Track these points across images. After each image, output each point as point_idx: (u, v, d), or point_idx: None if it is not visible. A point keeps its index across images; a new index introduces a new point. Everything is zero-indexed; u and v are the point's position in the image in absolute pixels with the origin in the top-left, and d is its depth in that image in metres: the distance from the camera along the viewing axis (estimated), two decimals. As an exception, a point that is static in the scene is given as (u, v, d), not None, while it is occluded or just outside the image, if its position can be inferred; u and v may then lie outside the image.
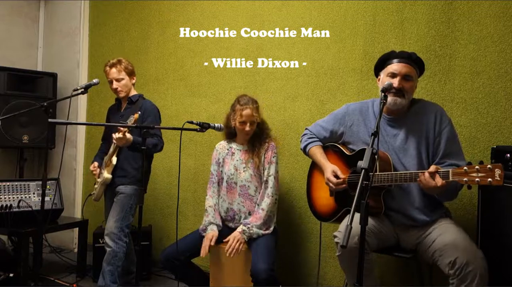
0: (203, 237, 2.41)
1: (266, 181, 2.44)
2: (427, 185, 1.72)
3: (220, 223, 2.47)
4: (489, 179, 1.56)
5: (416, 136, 1.95)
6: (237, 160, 2.52)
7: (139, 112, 2.51)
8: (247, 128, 2.45)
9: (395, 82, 1.90)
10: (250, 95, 2.53)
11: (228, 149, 2.58)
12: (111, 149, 2.64)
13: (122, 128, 2.36)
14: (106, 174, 2.63)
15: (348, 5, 2.74)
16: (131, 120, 2.42)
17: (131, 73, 2.77)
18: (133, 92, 2.81)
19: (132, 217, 2.68)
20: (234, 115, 2.48)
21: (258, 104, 2.52)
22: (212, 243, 2.35)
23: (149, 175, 2.85)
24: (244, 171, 2.48)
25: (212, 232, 2.39)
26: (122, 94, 2.74)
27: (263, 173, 2.46)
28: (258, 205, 2.43)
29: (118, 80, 2.71)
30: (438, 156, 1.91)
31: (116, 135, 2.40)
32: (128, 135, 2.42)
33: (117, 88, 2.71)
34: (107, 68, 2.73)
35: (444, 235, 1.80)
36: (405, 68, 1.92)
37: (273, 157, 2.48)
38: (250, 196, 2.47)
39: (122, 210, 2.60)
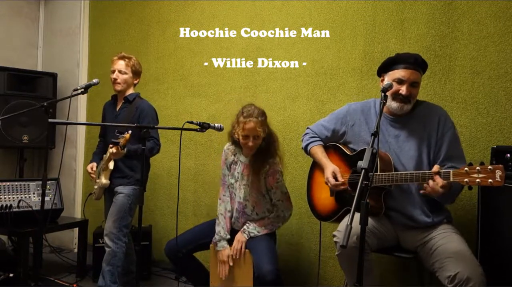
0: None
1: (274, 205, 2.38)
2: (432, 189, 1.71)
3: (229, 234, 2.42)
4: (490, 180, 1.56)
5: (418, 138, 1.94)
6: (238, 172, 2.42)
7: (130, 132, 2.39)
8: (250, 143, 2.25)
9: (403, 89, 1.89)
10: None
11: (234, 156, 2.46)
12: (108, 155, 2.59)
13: (114, 146, 2.37)
14: (104, 180, 2.61)
15: (348, 5, 2.73)
16: (121, 139, 2.32)
17: (136, 73, 2.75)
18: (131, 91, 2.76)
19: (131, 217, 2.67)
20: (237, 126, 2.28)
21: (266, 117, 2.31)
22: (231, 264, 2.32)
23: (148, 174, 2.85)
24: (243, 187, 2.38)
25: (225, 251, 2.34)
26: (118, 87, 2.69)
27: (267, 194, 2.37)
28: (268, 215, 2.39)
29: (121, 72, 2.68)
30: (440, 159, 1.90)
31: (111, 150, 2.43)
32: (122, 152, 2.44)
33: (116, 79, 2.67)
34: (115, 58, 2.70)
35: (446, 246, 1.78)
36: (413, 75, 1.90)
37: (277, 182, 2.33)
38: (246, 215, 2.40)
39: (121, 210, 2.60)
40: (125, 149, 2.46)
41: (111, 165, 2.61)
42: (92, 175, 2.71)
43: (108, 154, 2.57)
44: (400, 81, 1.90)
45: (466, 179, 1.62)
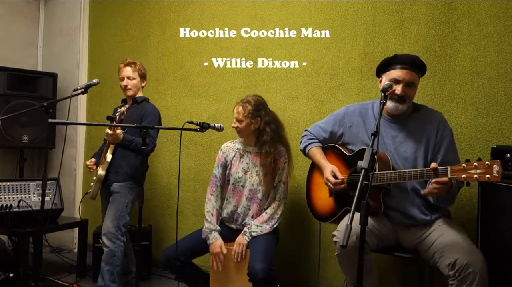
0: (206, 242, 2.42)
1: (275, 187, 2.43)
2: (438, 191, 1.72)
3: (219, 227, 2.46)
4: (487, 176, 1.57)
5: (415, 141, 1.96)
6: (247, 163, 2.47)
7: (126, 106, 2.66)
8: (233, 124, 2.45)
9: (399, 89, 1.90)
10: (251, 93, 2.55)
11: (235, 151, 2.53)
12: (106, 147, 2.69)
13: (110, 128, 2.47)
14: (100, 171, 2.65)
15: (348, 5, 2.73)
16: (118, 113, 2.50)
17: (142, 76, 2.86)
18: (140, 94, 2.87)
19: (129, 215, 2.68)
20: None
21: (255, 107, 2.40)
22: (225, 251, 2.36)
23: (146, 172, 2.86)
24: (256, 174, 2.44)
25: (217, 241, 2.38)
26: (130, 93, 2.80)
27: (275, 179, 2.43)
28: (264, 209, 2.43)
29: (129, 78, 2.79)
30: (437, 163, 1.90)
31: (107, 131, 2.50)
32: (118, 131, 2.49)
33: (127, 85, 2.78)
34: (121, 65, 2.82)
35: (444, 236, 1.80)
36: (409, 75, 1.91)
37: (284, 163, 2.45)
38: (258, 200, 2.44)
39: (118, 209, 2.61)
40: (122, 133, 2.51)
41: (108, 157, 2.65)
42: (90, 166, 2.75)
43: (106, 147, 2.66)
44: (396, 81, 1.92)
45: (463, 175, 1.63)
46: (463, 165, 1.64)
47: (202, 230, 2.46)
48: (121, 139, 2.53)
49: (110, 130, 2.46)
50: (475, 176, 1.60)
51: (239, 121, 2.43)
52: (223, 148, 2.59)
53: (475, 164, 1.61)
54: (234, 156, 2.52)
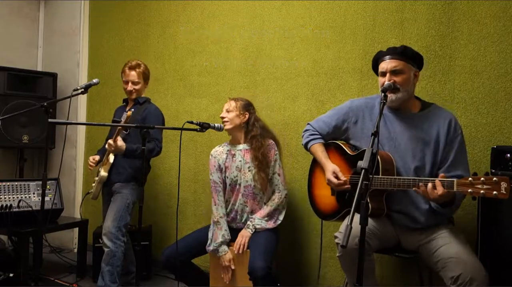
0: (211, 252, 2.42)
1: (271, 179, 2.46)
2: (428, 193, 1.71)
3: (229, 235, 2.44)
4: (495, 192, 1.54)
5: (425, 138, 1.92)
6: (240, 161, 2.49)
7: (132, 109, 2.63)
8: (221, 114, 2.52)
9: (386, 79, 1.92)
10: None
11: (226, 153, 2.54)
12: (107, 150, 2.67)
13: (113, 139, 2.47)
14: (102, 172, 2.65)
15: (348, 5, 2.73)
16: (124, 118, 2.48)
17: (146, 78, 2.86)
18: (142, 94, 2.87)
19: (130, 216, 2.68)
20: None
21: (244, 104, 2.52)
22: (233, 267, 2.37)
23: (147, 175, 2.86)
24: (249, 170, 2.46)
25: (227, 255, 2.38)
26: (134, 96, 2.80)
27: (269, 171, 2.47)
28: (265, 203, 2.46)
29: (134, 83, 2.77)
30: (446, 164, 1.88)
31: (109, 141, 2.50)
32: (120, 143, 2.48)
33: (131, 90, 2.77)
34: (126, 69, 2.78)
35: (449, 246, 1.77)
36: (391, 63, 1.92)
37: (275, 154, 2.49)
38: (255, 195, 2.46)
39: (119, 210, 2.61)
40: (124, 145, 2.51)
41: (111, 158, 2.64)
42: (91, 164, 2.72)
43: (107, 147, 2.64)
44: (383, 74, 1.94)
45: (470, 190, 1.60)
46: (470, 179, 1.60)
47: (211, 239, 2.42)
48: (124, 150, 2.53)
49: (112, 141, 2.47)
50: (482, 191, 1.57)
51: (228, 111, 2.49)
52: (213, 153, 2.57)
53: (482, 179, 1.58)
54: (227, 157, 2.52)
